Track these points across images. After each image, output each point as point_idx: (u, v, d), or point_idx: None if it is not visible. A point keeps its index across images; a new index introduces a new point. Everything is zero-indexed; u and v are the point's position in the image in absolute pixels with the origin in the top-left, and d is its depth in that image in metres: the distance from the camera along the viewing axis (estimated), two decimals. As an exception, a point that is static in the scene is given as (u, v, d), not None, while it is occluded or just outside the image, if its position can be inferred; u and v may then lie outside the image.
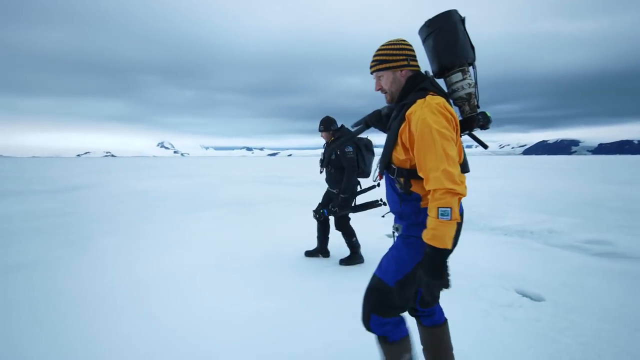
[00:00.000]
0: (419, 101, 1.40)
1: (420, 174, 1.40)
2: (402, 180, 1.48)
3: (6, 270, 3.56)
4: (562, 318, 2.51)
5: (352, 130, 1.97)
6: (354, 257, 3.87)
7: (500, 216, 6.54)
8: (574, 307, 2.69)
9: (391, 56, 1.55)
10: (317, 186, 12.44)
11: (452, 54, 1.59)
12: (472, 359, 2.04)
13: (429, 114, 1.34)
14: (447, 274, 1.33)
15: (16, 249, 4.39)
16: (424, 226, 1.37)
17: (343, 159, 3.65)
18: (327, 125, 3.89)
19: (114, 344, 2.20)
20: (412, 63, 1.56)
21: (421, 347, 1.77)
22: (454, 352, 1.74)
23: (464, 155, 1.56)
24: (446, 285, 1.32)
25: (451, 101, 1.61)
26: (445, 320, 1.76)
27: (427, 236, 1.30)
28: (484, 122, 1.54)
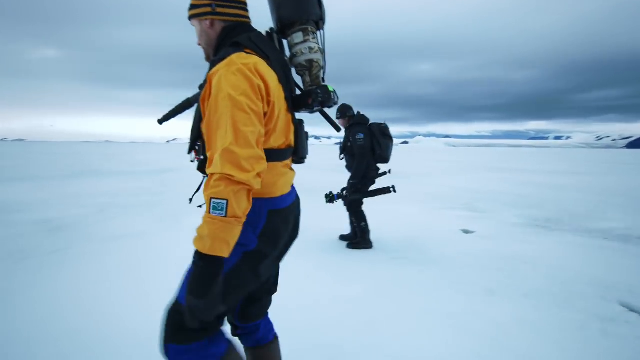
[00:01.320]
0: (227, 59, 1.06)
1: (208, 154, 1.06)
2: (199, 159, 1.15)
3: (109, 239, 4.12)
4: (683, 341, 2.13)
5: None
6: (362, 242, 3.89)
7: (599, 217, 5.75)
8: (699, 330, 2.26)
9: (196, 0, 1.20)
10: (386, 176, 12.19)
11: (291, 6, 1.24)
12: (564, 373, 1.84)
13: (227, 76, 1.00)
14: (214, 293, 0.97)
15: (119, 221, 5.06)
16: None
17: (354, 146, 3.77)
18: (343, 112, 3.97)
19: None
20: (220, 10, 1.18)
21: None
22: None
23: (299, 138, 1.25)
24: (211, 309, 0.97)
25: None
26: (274, 338, 1.42)
27: (194, 237, 0.99)
28: (324, 99, 1.20)
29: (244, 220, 0.99)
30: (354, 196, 3.84)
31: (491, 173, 14.28)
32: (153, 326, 2.23)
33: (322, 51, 1.28)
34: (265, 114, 1.07)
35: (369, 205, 6.38)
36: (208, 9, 1.18)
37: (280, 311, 2.41)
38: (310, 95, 1.22)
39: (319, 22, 1.30)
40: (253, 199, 1.07)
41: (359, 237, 3.95)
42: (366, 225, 3.91)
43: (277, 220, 1.16)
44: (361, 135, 3.73)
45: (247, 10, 1.23)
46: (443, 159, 28.05)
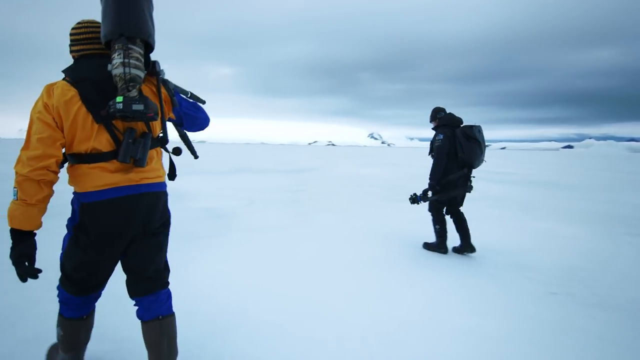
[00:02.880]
0: None
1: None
2: None
3: (253, 229, 4.62)
4: None
5: None
6: (436, 246, 3.83)
7: None
8: None
9: None
10: (534, 186, 10.32)
11: (107, 20, 1.35)
12: None
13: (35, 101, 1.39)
14: (21, 260, 1.34)
15: (262, 214, 5.66)
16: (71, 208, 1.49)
17: (433, 147, 3.75)
18: (434, 114, 3.97)
19: (313, 301, 2.42)
20: (73, 48, 1.46)
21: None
22: None
23: (123, 144, 1.37)
24: (21, 273, 1.35)
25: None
26: (151, 319, 1.56)
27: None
28: (115, 110, 1.30)
29: (33, 202, 1.32)
30: (433, 197, 3.77)
31: None
32: (273, 312, 2.35)
33: (124, 64, 1.32)
34: (57, 125, 1.35)
35: (510, 222, 5.52)
36: (70, 49, 1.48)
37: (402, 337, 2.21)
38: (105, 107, 1.35)
39: (136, 36, 1.36)
40: (73, 192, 1.46)
41: (436, 239, 3.84)
42: (441, 229, 3.79)
43: (92, 210, 1.41)
44: (440, 137, 3.70)
45: (91, 43, 1.44)
46: (625, 168, 22.00)
